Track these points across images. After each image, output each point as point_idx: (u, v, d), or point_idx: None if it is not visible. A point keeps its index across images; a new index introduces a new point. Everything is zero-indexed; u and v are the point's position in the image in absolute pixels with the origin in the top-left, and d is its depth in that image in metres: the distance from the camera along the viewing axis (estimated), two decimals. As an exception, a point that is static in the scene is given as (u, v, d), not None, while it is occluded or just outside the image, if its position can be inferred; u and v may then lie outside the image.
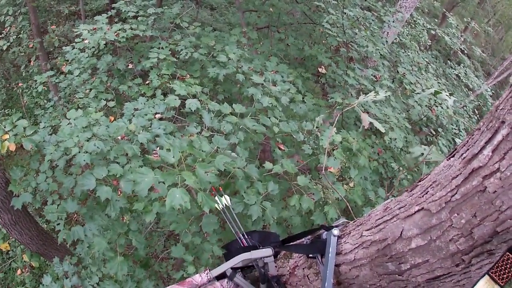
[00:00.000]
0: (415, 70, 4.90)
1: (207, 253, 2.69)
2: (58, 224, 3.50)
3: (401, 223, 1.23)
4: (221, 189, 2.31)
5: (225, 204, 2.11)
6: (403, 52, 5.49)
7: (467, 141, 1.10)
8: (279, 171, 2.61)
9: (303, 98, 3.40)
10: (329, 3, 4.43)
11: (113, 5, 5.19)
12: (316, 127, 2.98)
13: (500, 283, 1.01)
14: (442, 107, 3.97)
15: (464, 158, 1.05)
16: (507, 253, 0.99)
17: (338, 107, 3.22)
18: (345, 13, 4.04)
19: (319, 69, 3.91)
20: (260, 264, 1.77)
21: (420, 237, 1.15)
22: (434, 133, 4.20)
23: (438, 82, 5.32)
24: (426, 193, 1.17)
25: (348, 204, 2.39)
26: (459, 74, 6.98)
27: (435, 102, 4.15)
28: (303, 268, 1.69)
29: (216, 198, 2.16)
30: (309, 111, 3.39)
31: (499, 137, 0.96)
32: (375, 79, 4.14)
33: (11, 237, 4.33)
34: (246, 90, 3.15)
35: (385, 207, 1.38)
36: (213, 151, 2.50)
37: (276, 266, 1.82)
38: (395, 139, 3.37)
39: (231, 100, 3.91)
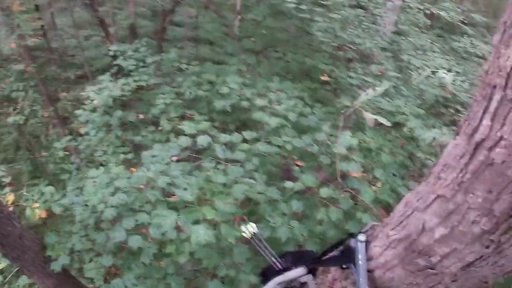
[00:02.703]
0: (420, 53, 4.81)
1: (245, 284, 2.64)
2: (98, 280, 3.58)
3: (422, 215, 1.17)
4: (245, 218, 2.30)
5: (253, 232, 2.09)
6: (403, 39, 5.41)
7: (468, 115, 1.03)
8: (300, 188, 2.56)
9: (311, 109, 3.39)
10: (315, 12, 4.46)
11: (114, 62, 5.44)
12: (330, 135, 2.94)
13: None
14: (455, 84, 3.84)
15: (467, 134, 1.00)
16: None
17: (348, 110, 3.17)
18: (332, 18, 4.05)
19: (321, 77, 3.90)
20: (297, 285, 1.73)
21: (442, 225, 1.10)
22: (454, 112, 4.05)
23: (446, 59, 5.17)
24: (439, 179, 1.11)
25: (372, 206, 2.30)
26: (465, 46, 6.77)
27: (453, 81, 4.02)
28: (340, 281, 1.64)
29: (242, 227, 2.14)
30: (321, 120, 3.36)
31: (494, 104, 0.90)
32: (381, 73, 4.07)
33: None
34: (253, 116, 3.17)
35: (406, 202, 1.33)
36: (230, 182, 2.50)
37: (316, 284, 1.78)
38: (415, 127, 3.27)
39: (244, 127, 3.93)
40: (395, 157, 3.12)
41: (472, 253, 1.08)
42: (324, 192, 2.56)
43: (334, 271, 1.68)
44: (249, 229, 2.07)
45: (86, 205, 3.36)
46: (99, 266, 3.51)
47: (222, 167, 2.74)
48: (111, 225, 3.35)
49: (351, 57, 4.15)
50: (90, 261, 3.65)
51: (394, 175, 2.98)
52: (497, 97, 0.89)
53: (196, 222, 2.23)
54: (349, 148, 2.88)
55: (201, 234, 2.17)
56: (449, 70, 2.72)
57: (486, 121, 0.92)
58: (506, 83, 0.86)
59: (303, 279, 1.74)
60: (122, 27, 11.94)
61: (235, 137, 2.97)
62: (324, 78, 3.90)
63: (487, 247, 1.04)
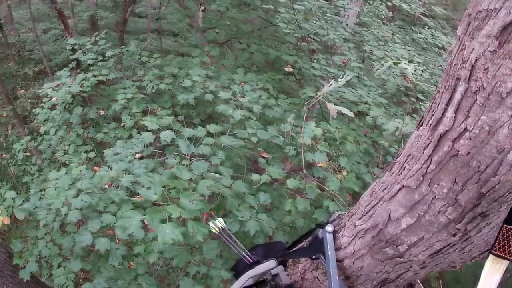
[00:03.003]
0: (382, 44, 4.90)
1: (216, 279, 2.62)
2: (68, 286, 3.47)
3: (387, 205, 1.18)
4: (213, 213, 2.26)
5: (221, 227, 2.06)
6: (366, 30, 5.50)
7: (431, 106, 1.03)
8: (267, 180, 2.55)
9: (276, 101, 3.37)
10: (279, 3, 4.43)
11: (71, 56, 5.18)
12: (295, 126, 2.94)
13: (509, 257, 0.96)
14: (415, 74, 3.95)
15: (430, 125, 0.99)
16: (505, 225, 0.94)
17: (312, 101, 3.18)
18: (296, 9, 4.04)
19: (285, 68, 3.89)
20: (268, 277, 1.72)
21: (408, 215, 1.10)
22: (415, 100, 4.16)
23: (408, 50, 5.32)
24: (404, 169, 1.11)
25: (337, 194, 2.33)
26: (426, 37, 6.99)
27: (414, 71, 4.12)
28: (311, 271, 1.65)
29: (210, 223, 2.11)
30: (286, 111, 3.35)
31: (458, 96, 0.90)
32: (344, 64, 4.12)
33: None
34: (217, 108, 3.11)
35: (371, 192, 1.33)
36: (195, 178, 2.45)
37: (288, 274, 1.77)
38: (378, 116, 3.34)
39: (209, 120, 3.87)
40: (359, 145, 3.17)
41: (439, 242, 1.10)
42: (291, 183, 2.57)
43: (304, 261, 1.69)
44: (217, 224, 2.04)
45: (50, 209, 3.24)
46: (68, 271, 3.39)
47: (187, 162, 2.68)
48: (76, 228, 3.26)
49: (315, 48, 4.16)
50: (59, 266, 3.53)
51: (358, 163, 3.03)
52: (461, 89, 0.89)
53: (163, 221, 2.16)
54: (314, 138, 2.90)
55: (167, 233, 2.12)
56: (410, 61, 2.78)
57: (450, 113, 0.91)
58: (470, 75, 0.86)
59: (274, 271, 1.74)
60: (82, 19, 11.43)
61: (199, 131, 2.91)
62: (288, 69, 3.90)
63: (454, 235, 1.05)
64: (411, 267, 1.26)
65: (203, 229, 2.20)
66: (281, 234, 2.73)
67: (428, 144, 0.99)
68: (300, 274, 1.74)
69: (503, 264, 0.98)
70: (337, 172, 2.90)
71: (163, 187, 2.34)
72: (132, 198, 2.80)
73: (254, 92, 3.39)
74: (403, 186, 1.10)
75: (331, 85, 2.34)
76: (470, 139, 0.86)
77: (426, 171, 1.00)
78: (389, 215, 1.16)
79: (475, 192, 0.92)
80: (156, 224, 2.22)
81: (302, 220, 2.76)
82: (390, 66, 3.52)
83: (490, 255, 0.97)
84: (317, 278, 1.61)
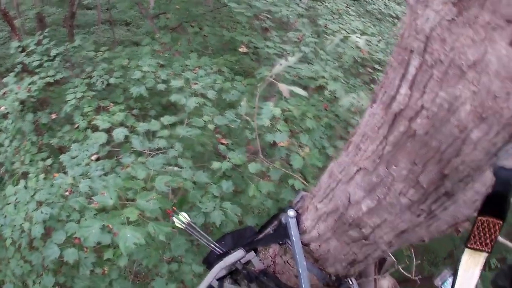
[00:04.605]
0: (337, 18, 4.84)
1: (189, 275, 2.57)
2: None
3: (346, 187, 1.12)
4: (175, 209, 2.18)
5: (186, 222, 1.99)
6: (320, 5, 5.42)
7: (384, 82, 0.93)
8: (228, 167, 2.48)
9: (232, 83, 3.28)
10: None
11: (16, 60, 4.86)
12: (253, 107, 2.86)
13: (487, 249, 0.92)
14: (371, 45, 3.92)
15: (384, 103, 0.91)
16: (479, 218, 0.89)
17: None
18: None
19: (240, 49, 3.78)
20: (239, 266, 1.68)
21: (368, 198, 1.06)
22: (373, 71, 4.16)
23: (362, 21, 5.29)
24: (359, 150, 1.04)
25: (297, 176, 2.30)
26: (379, 8, 7.03)
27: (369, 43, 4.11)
28: (281, 256, 1.62)
29: (174, 219, 2.03)
30: (243, 93, 3.26)
31: (412, 70, 0.81)
32: (299, 40, 4.04)
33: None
34: (170, 98, 2.99)
35: (330, 173, 1.27)
36: (152, 174, 2.35)
37: (260, 260, 1.73)
38: (335, 90, 3.30)
39: (166, 111, 3.73)
40: (320, 120, 3.14)
41: (403, 222, 1.06)
42: (252, 167, 2.51)
43: (274, 246, 1.66)
44: (182, 219, 1.97)
45: (14, 225, 3.11)
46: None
47: (144, 159, 2.57)
48: (43, 242, 3.15)
49: (267, 27, 4.05)
50: (34, 283, 3.40)
51: (321, 138, 3.01)
52: (415, 63, 0.80)
53: (123, 225, 2.08)
54: (273, 118, 2.84)
55: (128, 238, 2.05)
56: (365, 32, 2.75)
57: (404, 90, 0.83)
58: (425, 48, 0.77)
59: (245, 259, 1.69)
60: (29, 17, 10.75)
61: (153, 124, 2.79)
62: (243, 49, 3.78)
63: (418, 216, 1.01)
64: (378, 247, 1.23)
65: (165, 228, 2.14)
66: (251, 218, 2.69)
67: (383, 124, 0.91)
68: (271, 258, 1.71)
69: (482, 257, 0.94)
70: (301, 149, 2.86)
71: (119, 189, 2.25)
72: (89, 205, 2.68)
73: (209, 76, 3.27)
74: (360, 168, 1.04)
75: (281, 64, 2.26)
76: (428, 117, 0.79)
77: (383, 152, 0.93)
78: (349, 198, 1.12)
79: (437, 173, 0.86)
80: (117, 228, 2.14)
81: (270, 201, 2.73)
82: (341, 39, 3.49)
83: (466, 249, 0.93)
84: (287, 262, 1.58)
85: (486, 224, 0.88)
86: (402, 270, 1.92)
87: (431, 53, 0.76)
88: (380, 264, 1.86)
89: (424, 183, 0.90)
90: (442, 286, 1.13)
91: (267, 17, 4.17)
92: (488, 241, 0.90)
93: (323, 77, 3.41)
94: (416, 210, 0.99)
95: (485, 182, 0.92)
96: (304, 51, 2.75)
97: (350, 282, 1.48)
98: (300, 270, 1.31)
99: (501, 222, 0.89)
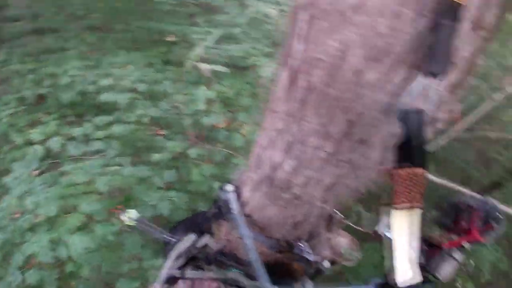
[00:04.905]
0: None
1: (150, 270, 2.58)
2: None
3: (269, 152, 1.15)
4: (120, 207, 2.19)
5: (134, 218, 1.99)
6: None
7: (284, 42, 0.95)
8: (168, 157, 2.50)
9: (164, 74, 3.26)
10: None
11: None
12: (185, 94, 2.87)
13: (415, 204, 0.85)
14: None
15: (286, 62, 0.92)
16: (397, 172, 0.83)
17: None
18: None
19: (168, 39, 3.74)
20: (194, 251, 1.70)
21: (289, 158, 1.08)
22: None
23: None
24: (274, 113, 1.07)
25: (240, 154, 2.35)
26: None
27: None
28: (231, 232, 1.61)
29: (121, 217, 2.03)
30: (176, 82, 3.25)
31: (303, 25, 0.81)
32: (227, 22, 4.03)
33: None
34: (101, 98, 2.94)
35: (256, 142, 1.29)
36: (92, 178, 2.33)
37: (216, 241, 1.76)
38: (267, 66, 3.36)
39: (103, 113, 3.64)
40: (256, 97, 3.20)
41: (327, 176, 1.08)
42: (192, 152, 2.54)
43: (225, 225, 1.64)
44: (130, 216, 1.97)
45: None
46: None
47: (82, 164, 2.53)
48: (4, 270, 3.04)
49: (194, 12, 4.01)
50: None
51: (259, 113, 3.06)
52: (304, 17, 0.81)
53: (70, 232, 2.07)
54: (209, 102, 2.86)
55: (77, 245, 2.04)
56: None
57: (299, 45, 0.85)
58: (311, 1, 0.79)
59: (200, 243, 1.71)
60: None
61: (87, 127, 2.74)
62: (172, 39, 3.75)
63: (340, 167, 1.03)
64: (313, 204, 1.26)
65: (113, 228, 2.14)
66: (202, 203, 2.72)
67: (287, 83, 0.93)
68: (225, 236, 1.74)
69: (415, 214, 0.86)
70: (241, 127, 2.92)
71: (63, 197, 2.22)
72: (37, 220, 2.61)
73: (139, 71, 3.23)
74: (276, 130, 1.07)
75: (200, 46, 2.28)
76: (324, 68, 0.80)
77: (291, 111, 0.96)
78: (273, 162, 1.15)
79: (345, 121, 0.88)
80: (65, 237, 2.13)
81: (217, 182, 2.76)
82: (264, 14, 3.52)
83: (394, 212, 0.85)
84: (239, 238, 1.61)
85: (407, 177, 0.82)
86: (351, 225, 2.00)
87: (316, 5, 0.78)
88: (329, 222, 1.93)
89: (335, 133, 0.91)
90: (386, 232, 1.06)
91: (193, 3, 4.14)
92: (415, 194, 0.84)
93: (254, 55, 3.46)
94: (335, 162, 1.01)
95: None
96: (232, 31, 2.78)
97: (300, 244, 1.50)
98: (246, 241, 1.34)
99: (422, 171, 0.82)
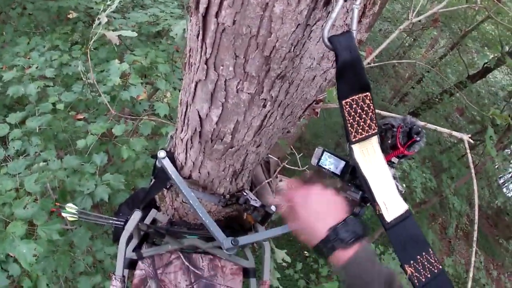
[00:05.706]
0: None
1: (107, 260, 2.59)
2: None
3: (194, 106, 1.16)
4: (58, 204, 2.12)
5: (75, 211, 1.94)
6: None
7: None
8: (93, 140, 2.43)
9: (70, 55, 3.05)
10: None
11: None
12: (101, 71, 2.73)
13: (372, 132, 0.84)
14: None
15: (193, 8, 0.90)
16: (343, 102, 0.79)
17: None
18: None
19: (69, 16, 3.46)
20: (144, 228, 1.68)
21: (214, 107, 1.09)
22: None
23: None
24: (191, 65, 1.06)
25: (168, 122, 2.32)
26: None
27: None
28: (175, 199, 1.67)
29: (63, 214, 1.98)
30: (85, 62, 3.07)
31: None
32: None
33: None
34: (7, 94, 2.72)
35: (180, 100, 1.30)
36: (20, 181, 2.23)
37: (163, 213, 1.77)
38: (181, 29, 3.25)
39: (17, 109, 3.39)
40: (175, 63, 3.12)
41: (254, 118, 1.09)
42: (116, 130, 2.48)
43: (167, 194, 1.68)
44: (71, 211, 1.92)
45: None
46: None
47: (5, 170, 2.39)
48: None
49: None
50: None
51: (180, 79, 3.02)
52: None
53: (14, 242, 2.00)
54: (124, 75, 2.76)
55: (25, 254, 1.98)
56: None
57: None
58: None
59: (148, 219, 1.68)
60: None
61: (2, 128, 2.56)
62: (72, 15, 3.48)
63: (264, 106, 1.05)
64: (247, 150, 1.29)
65: (54, 226, 2.09)
66: (142, 180, 2.71)
67: (199, 30, 0.91)
68: (170, 205, 1.74)
69: (373, 141, 0.86)
70: (164, 96, 2.88)
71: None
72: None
73: (43, 55, 3.00)
74: (196, 81, 1.07)
75: (104, 17, 2.15)
76: (230, 6, 0.79)
77: (206, 57, 0.94)
78: (199, 115, 1.15)
79: (260, 57, 0.87)
80: (10, 250, 2.05)
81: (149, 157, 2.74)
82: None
83: (354, 147, 0.83)
84: (183, 202, 1.64)
85: (355, 105, 0.81)
86: (287, 165, 2.09)
87: None
88: (267, 167, 1.99)
89: (253, 72, 0.92)
90: (319, 163, 1.16)
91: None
92: (368, 122, 0.84)
93: (165, 19, 3.32)
94: (259, 101, 1.02)
95: (313, 56, 0.92)
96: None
97: (245, 194, 1.56)
98: (192, 203, 1.35)
99: (368, 94, 0.80)
